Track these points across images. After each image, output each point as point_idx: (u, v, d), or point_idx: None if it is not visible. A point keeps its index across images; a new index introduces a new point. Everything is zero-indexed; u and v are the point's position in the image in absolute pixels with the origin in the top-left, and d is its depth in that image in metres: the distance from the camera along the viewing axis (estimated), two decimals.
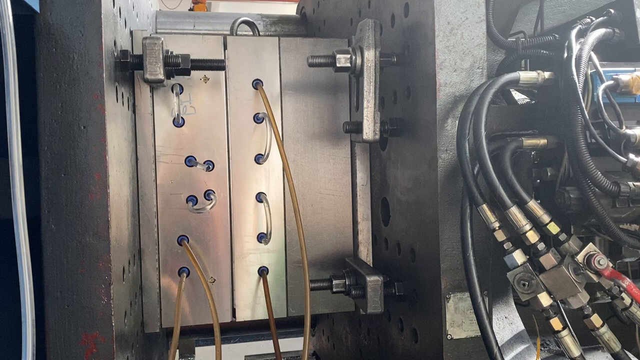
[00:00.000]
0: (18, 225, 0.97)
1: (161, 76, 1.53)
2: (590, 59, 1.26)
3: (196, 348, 2.91)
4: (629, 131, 1.23)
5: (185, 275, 1.74)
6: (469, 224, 1.27)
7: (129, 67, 1.53)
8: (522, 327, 1.48)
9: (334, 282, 1.73)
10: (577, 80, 1.21)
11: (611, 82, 1.26)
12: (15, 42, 0.98)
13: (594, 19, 1.38)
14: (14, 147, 0.96)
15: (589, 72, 1.25)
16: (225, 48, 1.78)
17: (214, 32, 2.63)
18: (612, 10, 1.40)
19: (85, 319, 1.24)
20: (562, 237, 1.25)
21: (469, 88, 1.35)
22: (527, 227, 1.24)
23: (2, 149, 1.01)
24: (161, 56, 1.52)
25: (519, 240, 1.27)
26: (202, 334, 2.65)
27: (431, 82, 1.35)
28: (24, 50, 1.06)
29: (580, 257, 1.23)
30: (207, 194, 1.77)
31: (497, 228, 1.26)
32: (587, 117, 1.20)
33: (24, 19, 1.16)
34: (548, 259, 1.25)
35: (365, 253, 1.88)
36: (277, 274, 1.85)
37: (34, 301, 1.00)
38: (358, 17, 1.85)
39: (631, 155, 1.20)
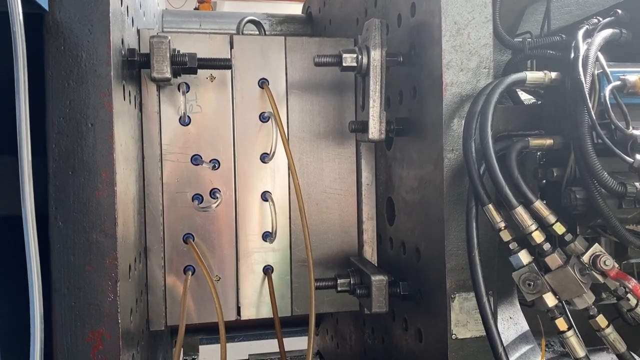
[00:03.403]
0: (27, 222, 0.97)
1: (168, 75, 1.54)
2: (597, 59, 1.26)
3: (200, 347, 2.93)
4: (635, 132, 1.23)
5: (190, 273, 1.75)
6: (474, 224, 1.27)
7: (136, 66, 1.54)
8: (527, 327, 1.49)
9: (339, 281, 1.73)
10: (584, 81, 1.21)
11: (618, 82, 1.25)
12: (25, 40, 0.98)
13: (601, 19, 1.38)
14: (24, 145, 0.97)
15: (596, 72, 1.25)
16: (231, 47, 1.78)
17: (220, 31, 2.63)
18: (620, 11, 1.40)
19: (91, 315, 1.24)
20: (568, 237, 1.25)
21: (475, 88, 1.35)
22: (533, 227, 1.24)
23: (11, 147, 1.01)
24: (168, 55, 1.53)
25: (524, 240, 1.27)
26: (207, 332, 2.65)
27: (437, 81, 1.35)
28: (33, 49, 1.07)
29: (586, 258, 1.23)
30: (213, 193, 1.77)
31: (502, 228, 1.26)
32: (594, 118, 1.20)
33: (34, 18, 1.17)
34: (554, 259, 1.25)
35: (370, 252, 1.88)
36: (282, 273, 1.86)
37: (42, 298, 1.01)
38: (364, 16, 1.85)
39: (638, 156, 1.20)
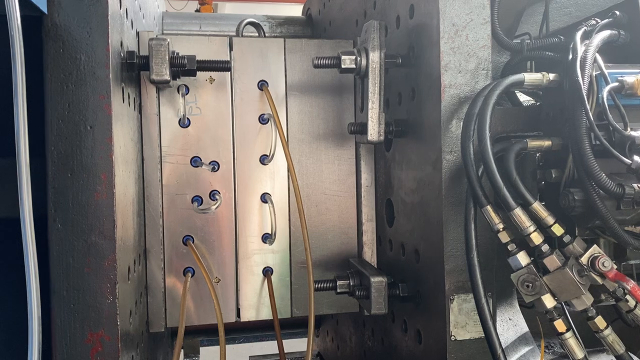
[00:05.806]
0: (25, 224, 0.98)
1: (167, 77, 1.54)
2: (595, 60, 1.26)
3: (201, 348, 2.92)
4: (633, 133, 1.23)
5: (190, 275, 1.75)
6: (473, 226, 1.27)
7: (135, 68, 1.54)
8: (526, 328, 1.48)
9: (338, 282, 1.73)
10: (581, 82, 1.21)
11: (616, 83, 1.26)
12: (24, 42, 0.99)
13: (599, 20, 1.38)
14: (21, 147, 0.97)
15: (594, 73, 1.25)
16: (230, 49, 1.79)
17: (220, 33, 2.64)
18: (618, 12, 1.40)
19: (90, 317, 1.24)
20: (567, 238, 1.25)
21: (473, 89, 1.35)
22: (532, 228, 1.24)
23: (9, 148, 1.02)
24: (167, 57, 1.54)
25: (523, 241, 1.27)
26: (207, 334, 2.66)
27: (436, 83, 1.35)
28: (32, 51, 1.08)
29: (584, 259, 1.23)
30: (213, 195, 1.77)
31: (501, 229, 1.26)
32: (592, 119, 1.20)
33: (32, 20, 1.17)
34: (552, 261, 1.25)
35: (370, 254, 1.88)
36: (282, 275, 1.86)
37: (40, 300, 1.01)
38: (363, 18, 1.85)
39: (636, 157, 1.20)
